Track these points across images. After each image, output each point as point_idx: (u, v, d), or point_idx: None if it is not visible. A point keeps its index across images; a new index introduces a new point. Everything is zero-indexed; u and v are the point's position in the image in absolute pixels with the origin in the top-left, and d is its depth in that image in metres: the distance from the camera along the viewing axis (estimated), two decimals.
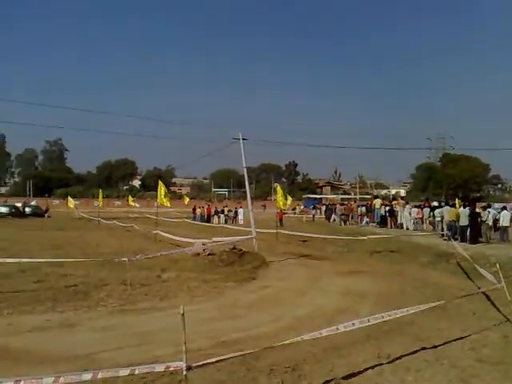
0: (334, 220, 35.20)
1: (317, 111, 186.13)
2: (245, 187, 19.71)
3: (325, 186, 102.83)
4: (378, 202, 29.03)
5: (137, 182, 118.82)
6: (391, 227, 26.45)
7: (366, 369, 5.83)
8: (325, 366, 5.95)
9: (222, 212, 41.98)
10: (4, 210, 47.71)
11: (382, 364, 6.01)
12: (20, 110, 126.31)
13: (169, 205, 22.99)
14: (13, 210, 48.03)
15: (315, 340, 6.02)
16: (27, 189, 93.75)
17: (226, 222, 39.43)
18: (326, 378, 5.56)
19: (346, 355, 6.36)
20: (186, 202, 47.53)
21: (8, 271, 12.29)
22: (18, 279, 11.61)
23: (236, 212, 41.52)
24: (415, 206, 27.24)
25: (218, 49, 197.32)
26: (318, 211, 44.00)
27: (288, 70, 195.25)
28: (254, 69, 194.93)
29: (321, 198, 76.45)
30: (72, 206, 50.76)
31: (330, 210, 38.22)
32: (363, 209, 31.64)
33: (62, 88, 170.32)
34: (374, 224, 28.42)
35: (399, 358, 6.22)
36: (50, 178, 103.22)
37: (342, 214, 33.19)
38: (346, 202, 40.78)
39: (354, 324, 5.72)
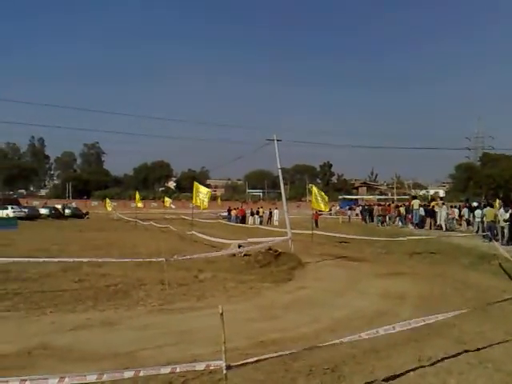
0: (372, 221, 34.73)
1: (353, 110, 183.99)
2: (279, 188, 19.65)
3: (361, 186, 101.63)
4: (416, 203, 28.48)
5: (172, 184, 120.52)
6: (430, 228, 25.90)
7: (407, 371, 5.67)
8: (365, 367, 5.82)
9: (257, 213, 42.06)
10: (44, 211, 49.33)
11: (423, 366, 5.83)
12: (58, 113, 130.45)
13: (205, 207, 22.96)
14: (53, 212, 49.57)
15: (354, 342, 5.91)
16: (66, 191, 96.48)
17: (260, 223, 39.46)
18: (366, 379, 5.44)
19: (386, 357, 6.21)
20: (218, 203, 47.96)
21: (50, 271, 12.66)
22: (60, 279, 11.92)
23: (271, 213, 41.51)
24: (453, 207, 26.61)
25: (252, 48, 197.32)
26: (354, 212, 43.50)
27: (322, 67, 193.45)
28: (289, 66, 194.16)
29: (357, 199, 75.56)
30: (110, 207, 52.01)
31: (366, 211, 37.71)
32: (401, 209, 31.09)
33: (98, 92, 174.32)
34: (413, 225, 27.91)
35: (441, 360, 6.03)
36: (89, 180, 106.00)
37: (380, 215, 32.72)
38: (383, 203, 40.17)
39: (394, 328, 5.59)
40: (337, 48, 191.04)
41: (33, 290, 10.41)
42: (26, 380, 3.94)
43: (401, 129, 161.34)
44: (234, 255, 15.88)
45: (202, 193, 21.14)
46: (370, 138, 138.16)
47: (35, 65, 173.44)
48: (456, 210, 25.20)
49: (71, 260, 12.88)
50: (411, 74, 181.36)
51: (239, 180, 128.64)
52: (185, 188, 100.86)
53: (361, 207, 43.79)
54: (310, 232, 21.10)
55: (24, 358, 6.06)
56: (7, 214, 41.07)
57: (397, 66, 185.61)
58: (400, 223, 29.78)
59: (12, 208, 44.09)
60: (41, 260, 12.52)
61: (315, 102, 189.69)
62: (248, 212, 42.86)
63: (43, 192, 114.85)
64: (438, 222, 25.96)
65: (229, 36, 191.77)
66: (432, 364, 5.92)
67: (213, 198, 67.98)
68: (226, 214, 46.35)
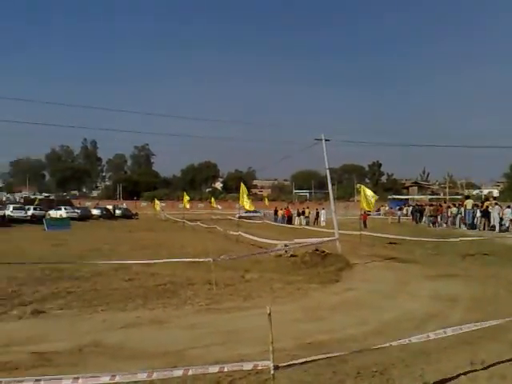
0: (424, 222, 33.82)
1: (403, 109, 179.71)
2: (326, 188, 19.48)
3: (411, 186, 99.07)
4: (469, 203, 27.59)
5: (219, 185, 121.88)
6: (484, 229, 24.93)
7: (459, 375, 5.49)
8: (414, 371, 5.67)
9: (303, 213, 41.80)
10: (96, 212, 51.10)
11: (475, 370, 5.63)
12: (110, 116, 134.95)
13: (251, 208, 23.25)
14: (104, 213, 51.26)
15: (404, 345, 5.77)
16: (117, 192, 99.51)
17: (307, 223, 39.20)
18: (415, 383, 5.32)
19: (437, 361, 6.04)
20: (266, 204, 48.07)
21: (102, 270, 13.07)
22: (111, 278, 12.27)
23: (318, 213, 41.16)
24: (508, 207, 25.52)
25: (296, 47, 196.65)
26: (404, 212, 42.46)
27: (373, 67, 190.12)
28: (334, 65, 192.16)
29: (407, 199, 73.74)
30: (158, 208, 53.25)
31: (417, 212, 36.72)
32: (453, 210, 30.11)
33: (147, 95, 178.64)
34: (465, 226, 26.99)
35: (494, 364, 5.80)
36: (138, 181, 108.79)
37: (431, 216, 31.82)
38: (434, 203, 39.03)
39: (445, 332, 5.41)
40: (388, 48, 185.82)
41: (85, 289, 10.76)
42: (78, 378, 4.07)
43: (453, 127, 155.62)
44: (281, 256, 15.84)
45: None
46: (420, 136, 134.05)
47: (88, 68, 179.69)
48: (508, 210, 24.09)
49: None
50: (463, 71, 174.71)
51: (286, 180, 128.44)
52: (231, 189, 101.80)
53: (411, 207, 42.68)
54: (358, 233, 20.78)
55: (76, 356, 6.25)
56: (61, 215, 42.73)
57: (449, 64, 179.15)
58: (452, 224, 28.86)
59: (65, 209, 45.90)
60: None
61: (365, 102, 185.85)
62: (294, 212, 42.67)
63: (95, 193, 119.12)
64: (492, 223, 24.98)
65: (272, 35, 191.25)
66: (485, 368, 5.71)
67: (260, 199, 68.51)
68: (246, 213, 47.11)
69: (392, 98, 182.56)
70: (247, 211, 51.41)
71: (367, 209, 20.43)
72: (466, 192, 75.89)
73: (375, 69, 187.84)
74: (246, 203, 22.13)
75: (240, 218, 44.41)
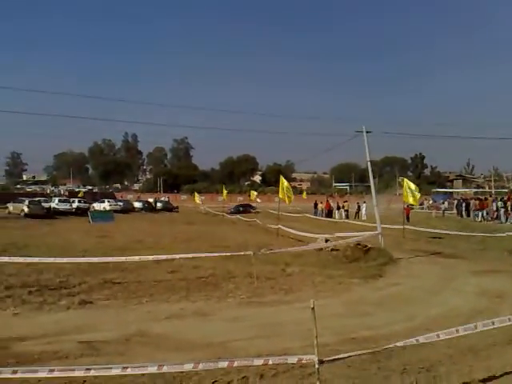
0: (468, 215, 32.79)
1: (448, 99, 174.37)
2: (367, 181, 19.16)
3: (456, 179, 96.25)
4: None
5: (257, 178, 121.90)
6: None
7: (507, 373, 5.34)
8: (461, 368, 5.54)
9: (342, 207, 41.12)
10: (138, 205, 52.16)
11: None
12: (150, 110, 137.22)
13: (288, 203, 23.03)
14: (146, 205, 52.24)
15: (451, 341, 5.67)
16: (158, 185, 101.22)
17: (346, 217, 38.49)
18: (463, 380, 5.19)
19: (485, 358, 5.88)
20: (304, 197, 47.90)
21: (145, 262, 13.28)
22: (155, 270, 12.49)
23: (359, 207, 40.47)
24: None
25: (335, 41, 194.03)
26: (448, 206, 41.25)
27: (414, 59, 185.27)
28: (380, 59, 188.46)
29: (451, 193, 71.67)
30: (198, 201, 53.88)
31: (461, 205, 35.57)
32: (500, 203, 29.04)
33: (186, 87, 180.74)
34: None
35: None
36: (178, 174, 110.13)
37: (477, 209, 30.79)
38: (480, 197, 37.79)
39: (493, 323, 5.20)
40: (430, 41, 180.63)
41: (130, 280, 11.02)
42: (127, 367, 4.16)
43: (499, 118, 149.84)
44: (321, 250, 15.69)
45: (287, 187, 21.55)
46: (465, 128, 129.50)
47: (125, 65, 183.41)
48: None
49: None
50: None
51: (325, 173, 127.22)
52: (270, 182, 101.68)
53: (456, 201, 41.38)
54: (401, 227, 20.37)
55: (123, 345, 6.43)
56: (104, 208, 43.76)
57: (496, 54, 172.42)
58: (498, 218, 27.85)
59: (108, 202, 47.00)
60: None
61: (407, 93, 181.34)
62: (334, 206, 42.18)
63: (136, 186, 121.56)
64: None
65: (309, 28, 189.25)
66: None
67: (299, 192, 68.23)
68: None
69: (436, 89, 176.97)
70: (238, 205, 52.34)
71: (412, 203, 19.99)
72: None
73: (415, 59, 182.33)
74: (288, 198, 21.69)
75: (231, 213, 44.79)
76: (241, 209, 50.74)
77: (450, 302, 9.20)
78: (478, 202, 32.09)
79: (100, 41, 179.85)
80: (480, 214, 30.18)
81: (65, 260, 11.72)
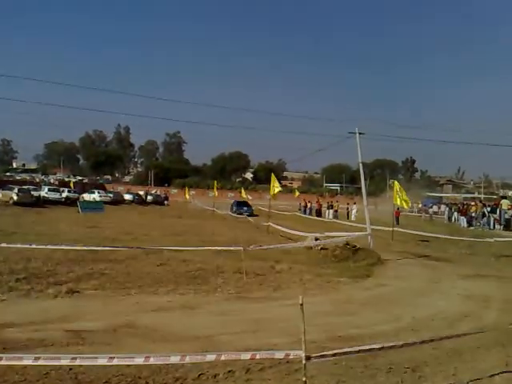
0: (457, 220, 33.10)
1: (439, 104, 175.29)
2: (357, 183, 19.24)
3: (446, 183, 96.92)
4: (505, 203, 26.96)
5: (249, 175, 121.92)
6: None
7: (493, 375, 5.40)
8: (447, 369, 5.59)
9: (331, 207, 41.24)
10: (128, 197, 51.98)
11: (511, 371, 5.52)
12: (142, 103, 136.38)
13: (273, 198, 23.27)
14: (136, 198, 52.06)
15: (437, 343, 5.69)
16: (149, 178, 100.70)
17: (335, 217, 38.57)
18: (448, 381, 5.25)
19: (471, 360, 5.94)
20: (296, 195, 48.00)
21: (135, 253, 13.25)
22: (144, 261, 12.44)
23: (348, 208, 40.64)
24: None
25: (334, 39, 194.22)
26: (436, 210, 41.60)
27: (410, 61, 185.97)
28: (375, 58, 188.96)
29: (441, 197, 72.10)
30: (188, 195, 53.78)
31: (450, 210, 35.89)
32: (488, 209, 29.36)
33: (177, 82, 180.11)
34: (500, 226, 26.28)
35: None
36: (169, 168, 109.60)
37: (465, 215, 31.07)
38: (472, 203, 38.11)
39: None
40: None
41: (119, 271, 10.95)
42: (113, 358, 4.13)
43: (491, 124, 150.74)
44: (311, 248, 15.74)
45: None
46: (457, 133, 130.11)
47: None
48: None
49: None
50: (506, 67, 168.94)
51: (316, 173, 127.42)
52: (261, 179, 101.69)
53: (444, 205, 41.75)
54: (390, 229, 20.48)
55: (110, 335, 6.39)
56: (94, 198, 43.44)
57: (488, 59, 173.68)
58: (487, 224, 28.12)
59: (98, 193, 46.70)
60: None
61: (400, 96, 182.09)
62: (324, 206, 42.33)
63: (127, 178, 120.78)
64: None
65: (305, 28, 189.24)
66: None
67: (289, 191, 68.30)
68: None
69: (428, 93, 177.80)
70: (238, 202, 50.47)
71: (404, 206, 20.12)
72: (502, 192, 73.87)
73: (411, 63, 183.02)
74: (274, 193, 22.12)
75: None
76: (245, 208, 41.68)
77: (437, 305, 9.26)
78: (465, 207, 32.46)
79: (94, 33, 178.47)
80: (462, 219, 30.54)
81: (54, 247, 11.66)
